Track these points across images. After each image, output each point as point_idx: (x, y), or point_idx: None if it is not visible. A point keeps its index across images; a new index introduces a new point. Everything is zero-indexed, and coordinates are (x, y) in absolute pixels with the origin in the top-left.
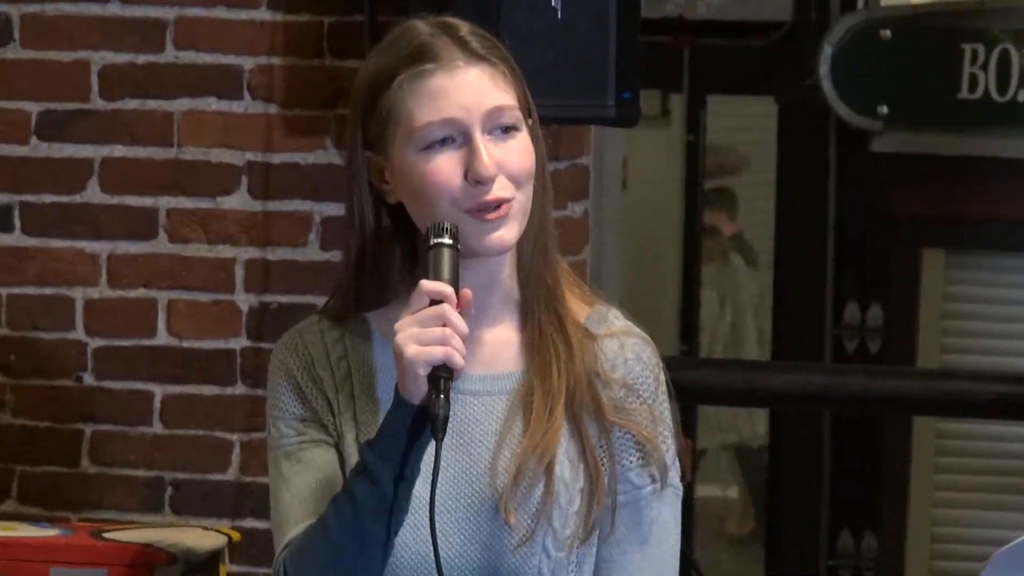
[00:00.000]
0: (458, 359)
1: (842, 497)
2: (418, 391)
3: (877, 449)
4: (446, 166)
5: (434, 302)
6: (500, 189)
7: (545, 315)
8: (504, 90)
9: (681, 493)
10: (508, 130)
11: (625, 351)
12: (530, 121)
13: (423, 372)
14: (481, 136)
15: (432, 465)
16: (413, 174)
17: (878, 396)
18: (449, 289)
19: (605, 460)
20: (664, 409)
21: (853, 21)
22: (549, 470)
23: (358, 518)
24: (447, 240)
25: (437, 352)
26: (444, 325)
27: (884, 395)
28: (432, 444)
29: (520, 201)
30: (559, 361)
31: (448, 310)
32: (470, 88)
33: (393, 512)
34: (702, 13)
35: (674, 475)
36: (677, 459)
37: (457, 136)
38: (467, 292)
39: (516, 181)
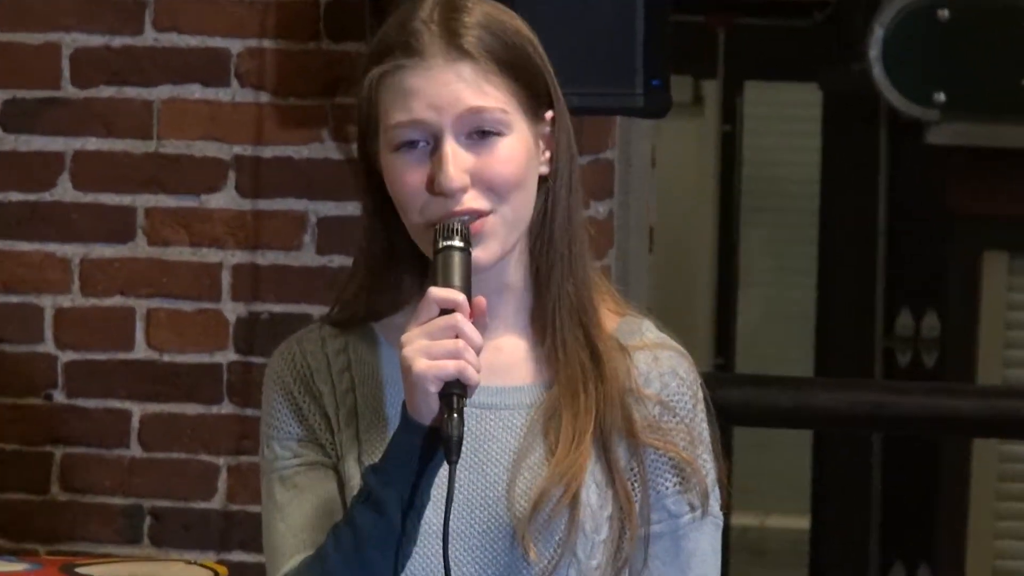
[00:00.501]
0: (472, 374)
1: (894, 527)
2: (428, 410)
3: (933, 474)
4: (412, 172)
5: (445, 311)
6: (472, 200)
7: (568, 326)
8: (487, 91)
9: (721, 523)
10: (487, 135)
11: (659, 365)
12: (530, 122)
13: (434, 389)
14: (452, 140)
15: (444, 488)
16: (388, 176)
17: (934, 416)
18: (461, 297)
19: (637, 485)
20: (703, 429)
21: (906, 0)
22: (575, 500)
23: (361, 551)
24: (457, 243)
25: (449, 367)
26: (456, 336)
27: (940, 415)
28: (446, 467)
29: (503, 215)
30: (587, 381)
31: (461, 320)
32: (444, 88)
33: (400, 544)
34: None
35: (714, 503)
36: (716, 486)
37: (428, 139)
38: (481, 300)
39: (496, 192)
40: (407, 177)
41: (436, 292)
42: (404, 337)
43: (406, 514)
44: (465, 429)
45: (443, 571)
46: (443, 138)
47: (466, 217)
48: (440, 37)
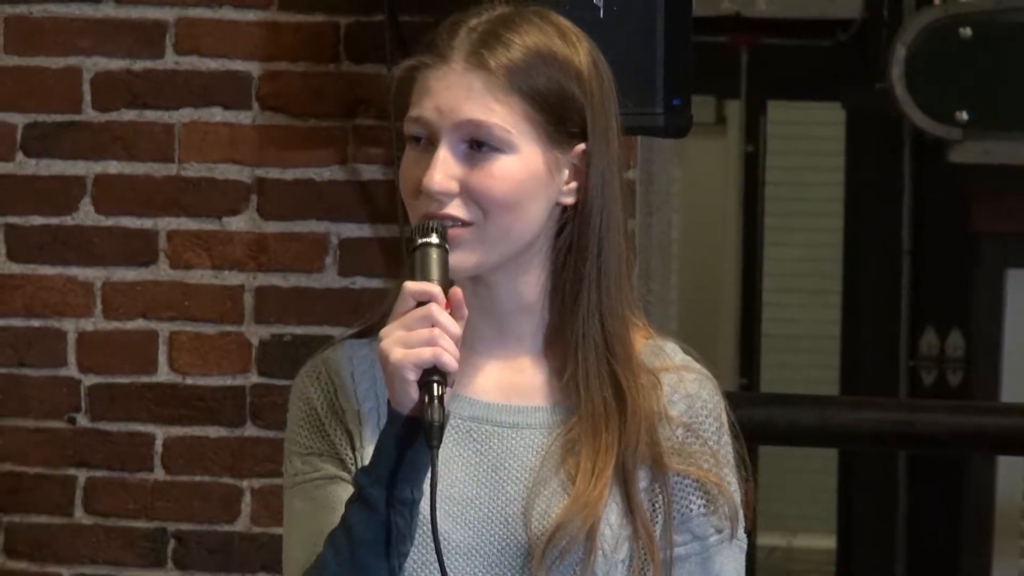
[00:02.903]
0: (448, 360)
1: (920, 547)
2: (409, 399)
3: (958, 493)
4: (413, 166)
5: (422, 304)
6: (455, 208)
7: (593, 360)
8: (493, 107)
9: (745, 546)
10: (485, 148)
11: (684, 387)
12: (547, 149)
13: (412, 377)
14: (446, 146)
15: (445, 484)
16: (400, 167)
17: (958, 434)
18: (436, 288)
19: (659, 507)
20: (728, 452)
21: (929, 18)
22: (592, 531)
23: (355, 550)
24: (434, 239)
25: (425, 354)
26: (432, 326)
27: (964, 433)
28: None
29: (483, 230)
30: (610, 418)
31: (436, 310)
32: (451, 93)
33: (393, 541)
34: (761, 10)
35: (738, 526)
36: (741, 509)
37: (429, 139)
38: (457, 291)
39: (480, 206)
40: (409, 171)
41: (411, 286)
42: (382, 331)
43: (395, 509)
44: (487, 448)
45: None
46: (439, 141)
47: (448, 222)
48: (470, 46)
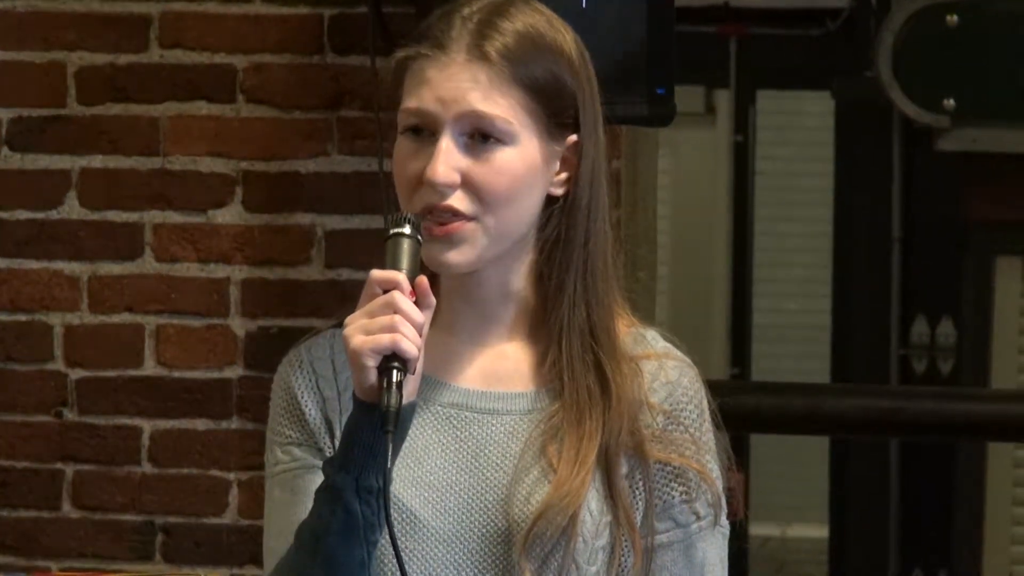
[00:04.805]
0: (407, 346)
1: (912, 534)
2: (369, 385)
3: (949, 481)
4: (412, 160)
5: (387, 292)
6: (457, 201)
7: (577, 349)
8: (496, 99)
9: (728, 533)
10: (488, 139)
11: (665, 374)
12: (543, 140)
13: (371, 363)
14: (449, 137)
15: (424, 470)
16: (394, 158)
17: (950, 422)
18: (400, 276)
19: (640, 495)
20: (710, 438)
21: (915, 6)
22: (574, 517)
23: (323, 541)
24: (406, 230)
25: (384, 340)
26: (395, 313)
27: (956, 420)
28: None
29: (485, 224)
30: (594, 406)
31: (398, 297)
32: (455, 85)
33: (361, 530)
34: (752, 0)
35: (721, 513)
36: (724, 496)
37: (430, 130)
38: (423, 279)
39: (481, 200)
40: (406, 162)
41: (376, 274)
42: (348, 319)
43: (363, 497)
44: (467, 434)
45: (424, 572)
46: (441, 132)
47: (450, 219)
48: (469, 36)
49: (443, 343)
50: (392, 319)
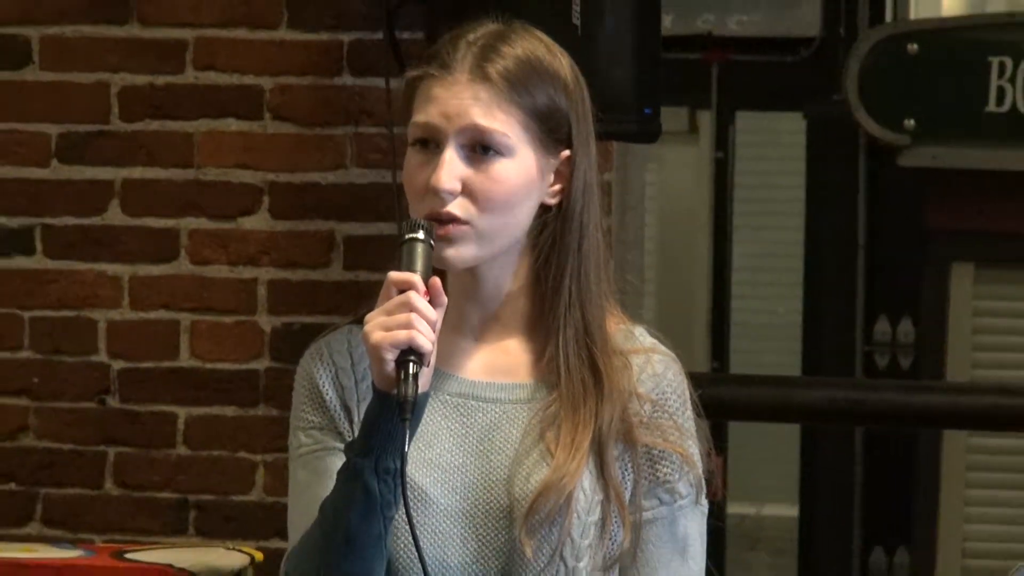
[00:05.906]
0: (423, 341)
1: (875, 515)
2: (388, 377)
3: (909, 467)
4: (419, 167)
5: (403, 292)
6: (455, 206)
7: (573, 347)
8: (496, 115)
9: (707, 511)
10: (487, 151)
11: (651, 367)
12: (539, 154)
13: (390, 357)
14: (452, 148)
15: (434, 453)
16: (404, 167)
17: (907, 411)
18: (415, 277)
19: (629, 475)
20: (691, 425)
21: (880, 35)
22: (570, 497)
23: (343, 517)
24: (420, 235)
25: (401, 336)
26: (411, 311)
27: (914, 410)
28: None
29: (478, 227)
30: (588, 397)
31: (413, 296)
32: (459, 102)
33: (376, 506)
34: (732, 29)
35: (702, 493)
36: (704, 477)
37: (435, 142)
38: (436, 280)
39: (480, 205)
40: (415, 172)
41: (393, 275)
42: (367, 316)
43: (381, 477)
44: (473, 421)
45: (437, 537)
46: (445, 144)
47: (443, 219)
48: (473, 59)
49: (451, 339)
50: (408, 317)
